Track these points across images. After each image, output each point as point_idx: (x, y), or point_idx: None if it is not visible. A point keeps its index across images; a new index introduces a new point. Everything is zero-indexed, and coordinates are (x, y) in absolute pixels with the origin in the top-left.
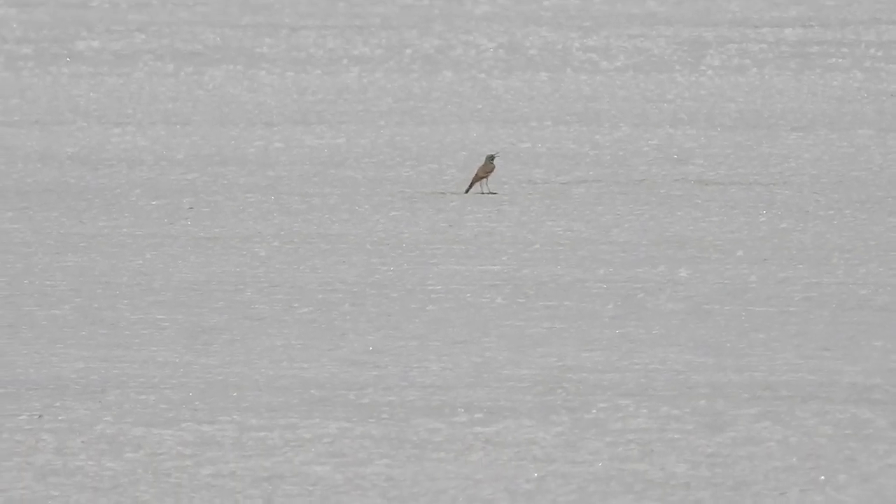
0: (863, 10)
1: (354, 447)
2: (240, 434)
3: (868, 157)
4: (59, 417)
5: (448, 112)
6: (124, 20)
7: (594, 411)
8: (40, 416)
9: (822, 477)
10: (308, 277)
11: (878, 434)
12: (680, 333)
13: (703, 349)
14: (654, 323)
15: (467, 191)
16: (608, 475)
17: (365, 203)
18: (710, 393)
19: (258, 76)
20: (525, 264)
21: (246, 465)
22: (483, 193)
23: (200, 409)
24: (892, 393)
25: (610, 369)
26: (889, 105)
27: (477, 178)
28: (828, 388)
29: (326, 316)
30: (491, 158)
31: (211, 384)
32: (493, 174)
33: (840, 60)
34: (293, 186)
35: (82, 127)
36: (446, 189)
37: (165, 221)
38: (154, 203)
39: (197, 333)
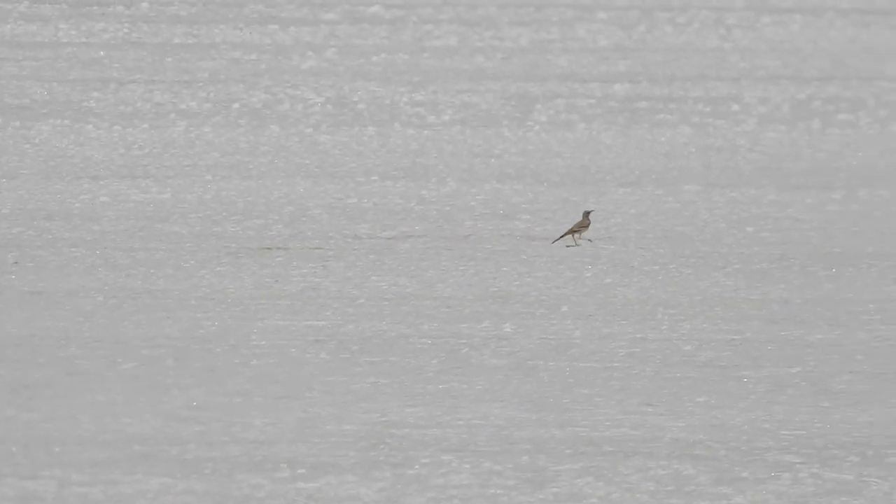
0: (690, 65)
1: (177, 503)
2: (60, 489)
3: (693, 213)
4: None
5: (275, 167)
6: None
7: (417, 467)
8: None
9: None
10: (132, 332)
11: (700, 490)
12: (503, 389)
13: (527, 405)
14: (478, 378)
15: (555, 241)
16: None
17: (190, 258)
18: (532, 448)
19: (85, 130)
20: (349, 319)
21: None
22: (572, 245)
23: (22, 463)
24: (714, 449)
25: (433, 425)
26: (716, 160)
27: (570, 231)
28: (650, 444)
29: (150, 371)
30: (586, 214)
31: (33, 439)
32: (585, 230)
33: (668, 116)
34: (118, 241)
35: None
36: (272, 244)
37: None
38: None
39: (19, 388)
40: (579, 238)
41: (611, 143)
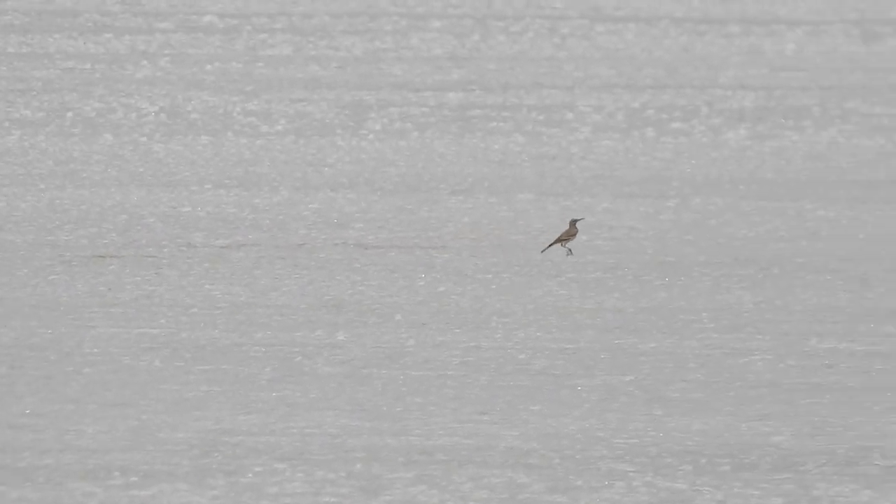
0: (525, 74)
1: None
2: None
3: (527, 221)
4: None
5: (108, 175)
6: None
7: (250, 475)
8: None
9: None
10: None
11: (534, 498)
12: (337, 397)
13: (360, 413)
14: (312, 386)
15: (544, 251)
16: None
17: (23, 266)
18: (366, 457)
19: None
20: (183, 327)
21: None
22: (567, 254)
23: None
24: (548, 458)
25: (266, 433)
26: (549, 169)
27: (558, 240)
28: (484, 452)
29: None
30: (573, 223)
31: None
32: (573, 238)
33: (501, 124)
34: None
35: None
36: (106, 252)
37: None
38: None
39: None
40: (566, 245)
41: (444, 152)
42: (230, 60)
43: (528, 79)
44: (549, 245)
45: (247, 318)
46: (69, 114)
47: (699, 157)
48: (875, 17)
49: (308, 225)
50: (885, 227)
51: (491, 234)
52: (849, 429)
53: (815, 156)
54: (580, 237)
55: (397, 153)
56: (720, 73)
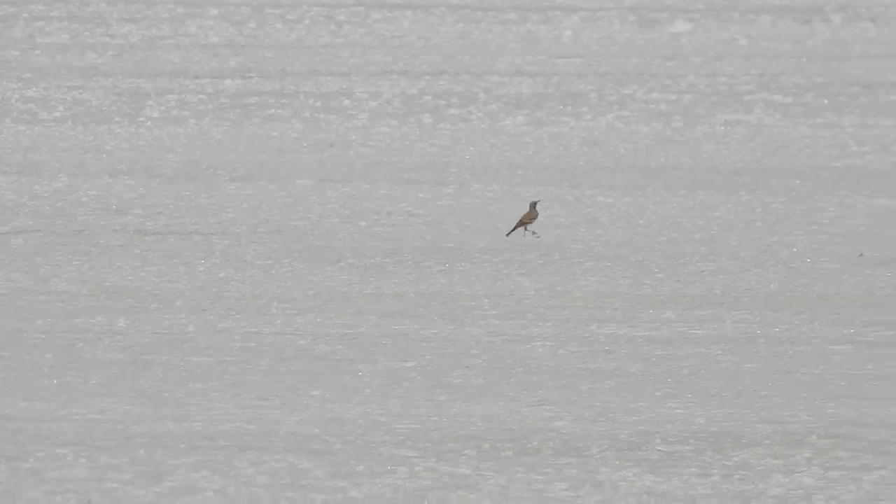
0: (301, 61)
1: None
2: None
3: (307, 207)
4: None
5: None
6: None
7: (32, 460)
8: None
9: None
10: None
11: (315, 484)
12: (119, 383)
13: (142, 399)
14: (93, 373)
15: (509, 234)
16: None
17: None
18: (148, 443)
19: None
20: None
21: None
22: (527, 235)
23: None
24: (329, 443)
25: (48, 419)
26: (328, 155)
27: (521, 223)
28: (266, 438)
29: None
30: (533, 205)
31: None
32: (533, 221)
33: (279, 111)
34: None
35: None
36: None
37: None
38: None
39: None
40: (529, 228)
41: (222, 139)
42: (7, 48)
43: (305, 66)
44: (513, 229)
45: (27, 304)
46: None
47: (477, 144)
48: (651, 3)
49: (87, 211)
50: (664, 212)
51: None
52: (630, 414)
53: (592, 142)
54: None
55: (175, 140)
56: (497, 60)
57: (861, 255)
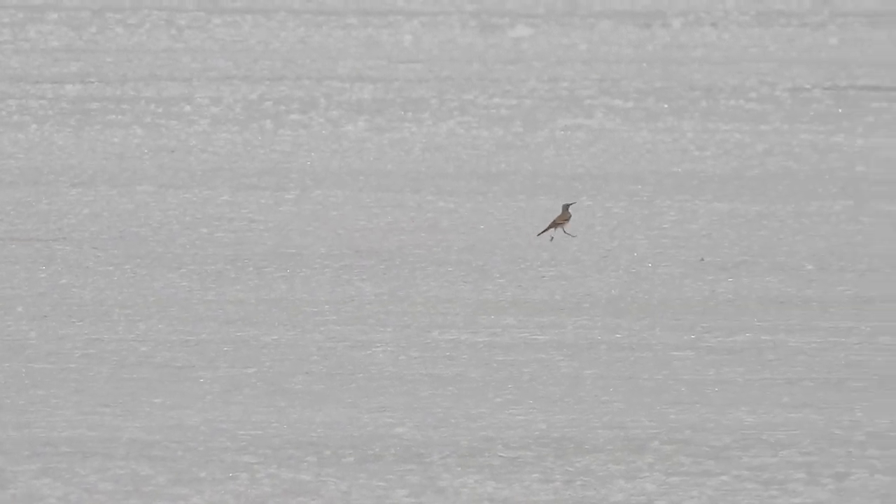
0: (142, 66)
1: None
2: None
3: (148, 213)
4: None
5: None
6: None
7: None
8: None
9: None
10: None
11: (158, 491)
12: None
13: None
14: None
15: (540, 234)
16: None
17: None
18: None
19: None
20: None
21: None
22: (554, 238)
23: None
24: (171, 449)
25: None
26: (169, 161)
27: (554, 224)
28: (108, 445)
29: None
30: (566, 207)
31: None
32: (567, 223)
33: (120, 117)
34: None
35: None
36: None
37: None
38: None
39: None
40: (557, 230)
41: (63, 144)
42: None
43: (145, 71)
44: (545, 230)
45: None
46: None
47: (319, 149)
48: (492, 8)
49: None
50: (505, 218)
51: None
52: (471, 420)
53: (434, 147)
54: (203, 228)
55: (16, 146)
56: (338, 65)
57: (702, 259)
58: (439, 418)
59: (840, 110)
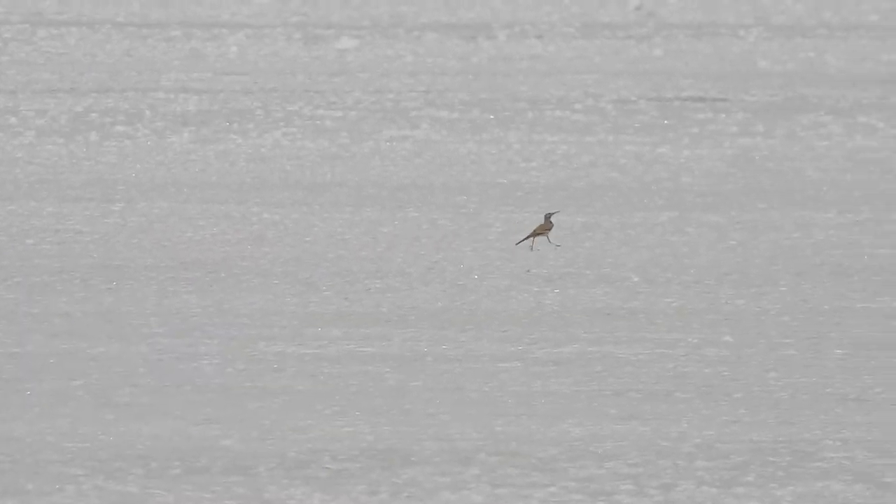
0: None
1: None
2: None
3: None
4: None
5: None
6: None
7: None
8: None
9: None
10: None
11: None
12: None
13: None
14: None
15: (519, 243)
16: None
17: None
18: None
19: None
20: None
21: None
22: (532, 248)
23: None
24: None
25: None
26: None
27: (535, 234)
28: None
29: None
30: (548, 216)
31: None
32: (549, 231)
33: None
34: None
35: None
36: None
37: None
38: None
39: None
40: (537, 240)
41: None
42: None
43: None
44: (524, 239)
45: None
46: None
47: (144, 161)
48: (317, 20)
49: None
50: (331, 229)
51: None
52: (299, 432)
53: (259, 158)
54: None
55: None
56: (163, 77)
57: (528, 271)
58: (266, 430)
59: (665, 121)
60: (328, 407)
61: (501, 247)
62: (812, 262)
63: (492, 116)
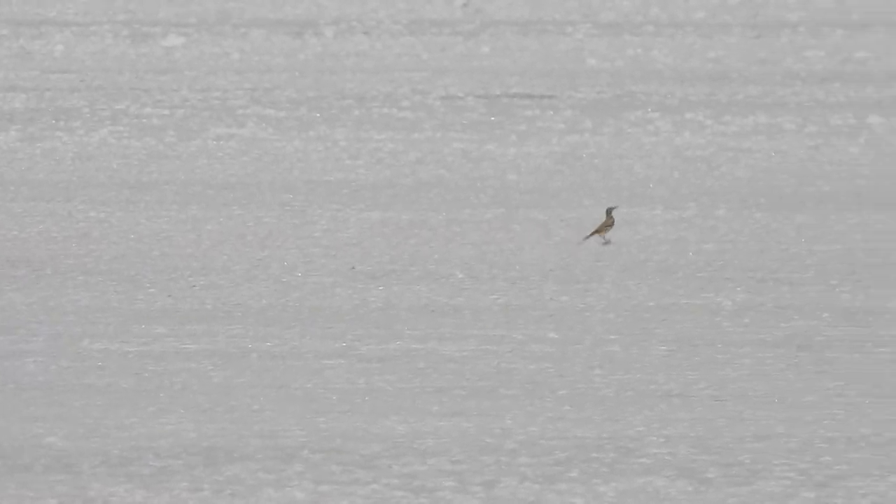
0: None
1: None
2: None
3: None
4: None
5: None
6: None
7: None
8: None
9: None
10: None
11: None
12: None
13: None
14: None
15: (586, 238)
16: None
17: None
18: None
19: None
20: None
21: None
22: (603, 243)
23: None
24: None
25: None
26: None
27: (602, 229)
28: None
29: None
30: (610, 211)
31: None
32: (611, 227)
33: None
34: None
35: None
36: None
37: None
38: None
39: None
40: (605, 235)
41: None
42: None
43: None
44: (589, 235)
45: None
46: None
47: None
48: (144, 17)
49: None
50: (156, 227)
51: None
52: (123, 430)
53: (85, 157)
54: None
55: None
56: None
57: (353, 268)
58: (90, 428)
59: (492, 118)
60: (152, 404)
61: (326, 244)
62: (637, 259)
63: (318, 114)
